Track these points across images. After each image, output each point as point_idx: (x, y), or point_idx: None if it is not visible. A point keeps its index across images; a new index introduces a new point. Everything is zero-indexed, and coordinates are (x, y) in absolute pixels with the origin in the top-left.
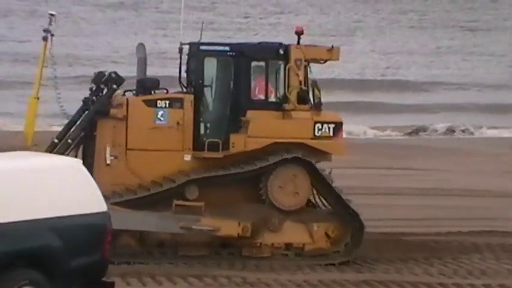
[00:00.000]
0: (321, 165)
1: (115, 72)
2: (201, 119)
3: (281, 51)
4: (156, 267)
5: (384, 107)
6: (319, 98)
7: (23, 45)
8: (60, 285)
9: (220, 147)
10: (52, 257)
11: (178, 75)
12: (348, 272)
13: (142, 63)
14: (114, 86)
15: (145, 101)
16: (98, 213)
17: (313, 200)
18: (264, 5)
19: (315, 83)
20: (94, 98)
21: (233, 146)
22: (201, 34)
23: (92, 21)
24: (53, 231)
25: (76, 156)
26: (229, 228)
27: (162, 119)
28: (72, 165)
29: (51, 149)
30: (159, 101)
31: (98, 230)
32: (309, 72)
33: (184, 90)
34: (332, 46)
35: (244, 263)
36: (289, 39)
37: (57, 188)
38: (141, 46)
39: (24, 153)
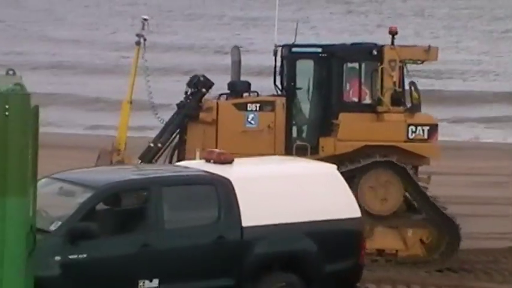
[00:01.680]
0: (422, 169)
1: (204, 76)
2: (293, 122)
3: (375, 52)
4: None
5: None
6: (417, 99)
7: None
8: None
9: (309, 151)
10: (309, 261)
11: (273, 78)
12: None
13: (237, 66)
14: (203, 90)
15: (235, 105)
16: (352, 219)
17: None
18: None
19: (413, 84)
20: (186, 102)
21: (323, 150)
22: (295, 35)
23: None
24: (310, 235)
25: (171, 161)
26: None
27: (252, 122)
28: (328, 170)
29: (146, 153)
30: (249, 104)
31: (353, 236)
32: (405, 73)
33: (279, 93)
34: (429, 46)
35: None
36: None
37: (314, 193)
38: (235, 49)
39: (281, 158)
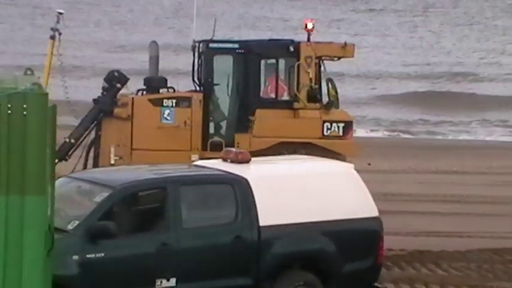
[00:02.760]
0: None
1: (118, 71)
2: (210, 118)
3: (291, 49)
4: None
5: None
6: (335, 96)
7: None
8: None
9: (223, 147)
10: (326, 260)
11: (191, 74)
12: None
13: (154, 61)
14: (118, 85)
15: (151, 100)
16: (370, 218)
17: None
18: None
19: (330, 81)
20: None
21: (238, 146)
22: (213, 31)
23: None
24: (328, 235)
25: (87, 157)
26: None
27: (168, 118)
28: (345, 169)
29: (60, 149)
30: (165, 100)
31: (371, 235)
32: (322, 69)
33: (198, 89)
34: (345, 43)
35: None
36: None
37: (332, 192)
38: (153, 44)
39: (299, 157)
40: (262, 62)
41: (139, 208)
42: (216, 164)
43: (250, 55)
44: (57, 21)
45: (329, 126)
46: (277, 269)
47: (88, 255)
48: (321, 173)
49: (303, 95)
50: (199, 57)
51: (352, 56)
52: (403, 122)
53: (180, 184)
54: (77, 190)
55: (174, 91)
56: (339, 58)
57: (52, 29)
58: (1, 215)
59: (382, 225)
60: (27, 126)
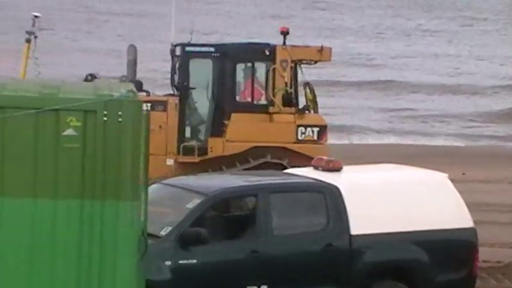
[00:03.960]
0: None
1: (91, 74)
2: (186, 122)
3: (267, 52)
4: None
5: None
6: (312, 100)
7: None
8: None
9: (196, 151)
10: (419, 270)
11: (170, 77)
12: None
13: (132, 65)
14: None
15: None
16: (465, 229)
17: None
18: None
19: (308, 85)
20: None
21: (211, 150)
22: (191, 35)
23: None
24: (421, 245)
25: None
26: None
27: None
28: (439, 178)
29: None
30: None
31: (466, 246)
32: (299, 73)
33: (177, 92)
34: (322, 46)
35: None
36: None
37: (425, 202)
38: (131, 47)
39: (391, 165)
40: (240, 65)
41: (231, 215)
42: (307, 172)
43: (226, 59)
44: (33, 25)
45: (303, 131)
46: (369, 278)
47: (180, 261)
48: (414, 182)
49: (278, 99)
50: (176, 60)
51: (329, 60)
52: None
53: (271, 191)
54: (170, 196)
55: (149, 95)
56: (316, 62)
57: (28, 32)
58: (97, 220)
59: (476, 236)
60: (122, 133)
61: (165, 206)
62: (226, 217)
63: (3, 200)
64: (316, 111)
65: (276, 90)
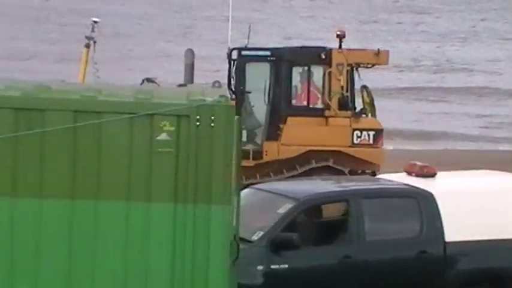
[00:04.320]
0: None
1: (148, 79)
2: (242, 126)
3: (323, 56)
4: None
5: None
6: (369, 103)
7: None
8: None
9: (251, 155)
10: None
11: (227, 81)
12: None
13: (189, 69)
14: None
15: None
16: None
17: None
18: None
19: (365, 88)
20: None
21: (266, 154)
22: (248, 38)
23: None
24: None
25: None
26: None
27: None
28: None
29: None
30: None
31: None
32: (357, 77)
33: (234, 96)
34: (378, 49)
35: None
36: None
37: None
38: (189, 52)
39: (486, 171)
40: (296, 69)
41: (322, 220)
42: (400, 178)
43: (282, 62)
44: (92, 30)
45: (359, 134)
46: (463, 286)
47: (272, 266)
48: (508, 189)
49: (334, 102)
50: (233, 64)
51: (386, 63)
52: None
53: (363, 197)
54: (262, 201)
55: None
56: (373, 65)
57: (87, 37)
58: (189, 223)
59: None
60: (215, 137)
61: (256, 210)
62: (318, 222)
63: (99, 203)
64: (373, 115)
65: (332, 93)
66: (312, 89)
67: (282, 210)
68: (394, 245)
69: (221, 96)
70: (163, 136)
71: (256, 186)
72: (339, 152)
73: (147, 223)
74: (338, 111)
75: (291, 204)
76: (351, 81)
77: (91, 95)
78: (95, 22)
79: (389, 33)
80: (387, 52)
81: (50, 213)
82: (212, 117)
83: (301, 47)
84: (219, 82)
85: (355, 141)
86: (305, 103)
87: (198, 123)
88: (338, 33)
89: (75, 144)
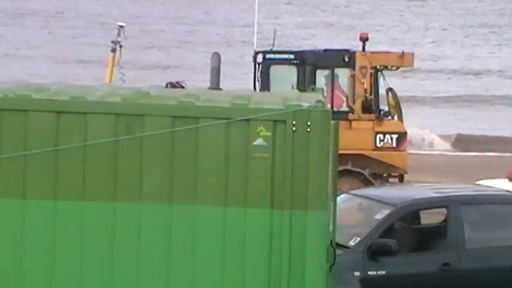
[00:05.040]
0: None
1: (178, 82)
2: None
3: (346, 59)
4: None
5: None
6: (394, 106)
7: None
8: None
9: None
10: None
11: (253, 84)
12: None
13: (215, 72)
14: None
15: None
16: None
17: None
18: None
19: (390, 91)
20: None
21: None
22: (273, 41)
23: None
24: None
25: None
26: None
27: None
28: None
29: None
30: None
31: None
32: (381, 79)
33: None
34: (403, 52)
35: None
36: None
37: None
38: (215, 55)
39: None
40: (321, 72)
41: (420, 226)
42: (501, 184)
43: (305, 65)
44: (118, 34)
45: (382, 138)
46: None
47: (369, 272)
48: None
49: (357, 105)
50: (257, 67)
51: (412, 66)
52: None
53: (462, 203)
54: (358, 207)
55: None
56: (397, 68)
57: (113, 42)
58: (285, 229)
59: None
60: (311, 143)
61: (353, 216)
62: (415, 228)
63: (196, 208)
64: (399, 118)
65: (355, 97)
66: (336, 92)
67: (379, 216)
68: (494, 253)
69: (317, 101)
70: (259, 141)
71: (352, 191)
72: (361, 155)
73: (243, 228)
74: (361, 115)
75: (388, 210)
76: (375, 84)
77: (189, 100)
78: (121, 27)
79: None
80: (412, 54)
81: (148, 218)
82: (308, 123)
83: (325, 50)
84: (315, 87)
85: (378, 145)
86: (329, 106)
87: (294, 129)
88: (361, 36)
89: (173, 149)
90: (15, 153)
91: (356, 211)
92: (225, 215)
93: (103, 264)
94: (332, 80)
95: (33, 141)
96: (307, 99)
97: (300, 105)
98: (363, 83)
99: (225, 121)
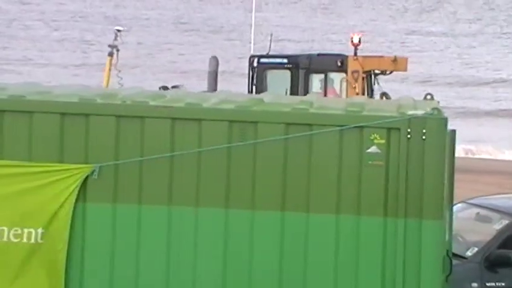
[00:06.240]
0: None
1: (174, 86)
2: None
3: (339, 63)
4: None
5: None
6: None
7: None
8: None
9: None
10: None
11: (248, 88)
12: None
13: (213, 76)
14: None
15: None
16: None
17: None
18: None
19: (385, 95)
20: None
21: None
22: (269, 46)
23: None
24: None
25: None
26: None
27: None
28: None
29: None
30: None
31: None
32: (375, 83)
33: None
34: (395, 57)
35: None
36: None
37: None
38: (213, 59)
39: None
40: (314, 76)
41: None
42: None
43: (299, 70)
44: (115, 38)
45: None
46: None
47: (487, 283)
48: None
49: None
50: (253, 71)
51: (405, 70)
52: None
53: None
54: (475, 216)
55: None
56: (391, 72)
57: (110, 45)
58: (400, 237)
59: None
60: (426, 151)
61: (470, 225)
62: None
63: (308, 216)
64: None
65: None
66: (330, 95)
67: (498, 226)
68: None
69: (433, 109)
70: (373, 149)
71: (469, 201)
72: None
73: (357, 236)
74: None
75: (507, 220)
76: (368, 88)
77: (302, 107)
78: (119, 31)
79: None
80: (405, 59)
81: (260, 225)
82: (424, 130)
83: (318, 54)
84: (431, 95)
85: None
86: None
87: (409, 136)
88: (352, 40)
89: (286, 156)
90: (132, 159)
91: (473, 221)
92: (338, 223)
93: (216, 271)
94: (325, 84)
95: (149, 147)
96: (422, 107)
97: (415, 113)
98: (355, 88)
99: (339, 128)
